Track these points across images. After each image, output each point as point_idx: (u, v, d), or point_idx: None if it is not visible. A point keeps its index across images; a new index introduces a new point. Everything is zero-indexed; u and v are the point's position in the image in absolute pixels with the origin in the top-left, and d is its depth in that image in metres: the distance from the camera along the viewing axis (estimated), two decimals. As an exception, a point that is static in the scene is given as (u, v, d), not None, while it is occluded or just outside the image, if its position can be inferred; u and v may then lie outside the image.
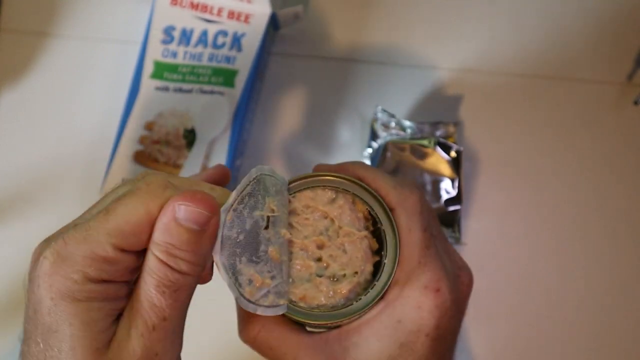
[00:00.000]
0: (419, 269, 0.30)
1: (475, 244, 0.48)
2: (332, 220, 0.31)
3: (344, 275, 0.31)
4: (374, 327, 0.30)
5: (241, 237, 0.28)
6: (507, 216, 0.49)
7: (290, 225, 0.31)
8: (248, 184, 0.29)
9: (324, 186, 0.31)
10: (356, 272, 0.31)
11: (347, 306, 0.30)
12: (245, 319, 0.31)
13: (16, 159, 0.51)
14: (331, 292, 0.30)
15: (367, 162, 0.49)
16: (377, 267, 0.31)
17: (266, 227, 0.29)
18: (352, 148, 0.50)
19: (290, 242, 0.30)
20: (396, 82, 0.51)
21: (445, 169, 0.46)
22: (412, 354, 0.29)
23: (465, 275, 0.32)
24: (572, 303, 0.48)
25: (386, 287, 0.30)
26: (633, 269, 0.48)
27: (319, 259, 0.31)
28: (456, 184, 0.45)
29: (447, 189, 0.45)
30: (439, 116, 0.50)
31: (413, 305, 0.29)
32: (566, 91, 0.51)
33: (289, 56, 0.52)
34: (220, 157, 0.47)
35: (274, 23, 0.50)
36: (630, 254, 0.48)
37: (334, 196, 0.31)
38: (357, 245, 0.31)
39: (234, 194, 0.28)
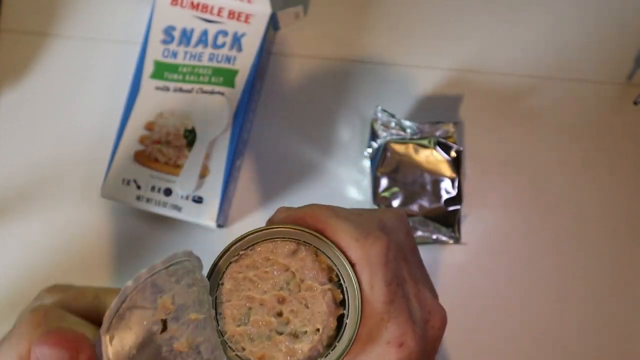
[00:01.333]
0: (381, 325, 0.29)
1: (475, 244, 0.48)
2: (293, 274, 0.30)
3: (305, 332, 0.29)
4: None
5: (133, 353, 0.26)
6: (507, 216, 0.49)
7: (249, 280, 0.30)
8: (123, 302, 0.26)
9: (283, 238, 0.30)
10: (317, 330, 0.29)
11: None
12: None
13: (16, 159, 0.51)
14: (291, 352, 0.29)
15: (367, 162, 0.49)
16: (341, 321, 0.29)
17: (163, 330, 0.27)
18: (352, 148, 0.50)
19: (249, 298, 0.30)
20: (396, 82, 0.51)
21: (445, 169, 0.46)
22: None
23: (436, 319, 0.31)
24: (573, 302, 0.48)
25: (348, 349, 0.29)
26: (633, 269, 0.48)
27: (280, 314, 0.30)
28: (456, 184, 0.45)
29: (447, 189, 0.46)
30: (439, 116, 0.50)
31: None
32: (566, 91, 0.51)
33: (289, 56, 0.52)
34: (220, 157, 0.47)
35: (274, 23, 0.50)
36: (631, 253, 0.48)
37: (294, 248, 0.30)
38: (319, 299, 0.29)
39: (105, 318, 0.26)
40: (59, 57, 0.53)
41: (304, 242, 0.30)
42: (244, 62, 0.48)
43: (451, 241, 0.46)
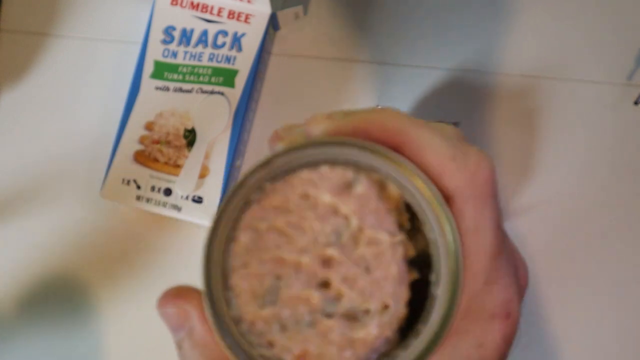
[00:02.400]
0: (485, 291, 0.20)
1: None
2: (347, 219, 0.20)
3: (368, 312, 0.19)
4: None
5: None
6: (507, 216, 0.49)
7: (277, 232, 0.20)
8: None
9: (333, 162, 0.19)
10: (386, 305, 0.19)
11: None
12: None
13: (16, 158, 0.51)
14: (349, 344, 0.19)
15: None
16: (418, 292, 0.20)
17: None
18: (352, 148, 0.50)
19: (278, 261, 0.19)
20: (396, 82, 0.51)
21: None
22: None
23: (523, 275, 0.23)
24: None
25: (442, 335, 0.18)
26: (633, 270, 0.48)
27: (326, 285, 0.19)
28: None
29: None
30: (439, 116, 0.50)
31: (472, 343, 0.20)
32: (566, 91, 0.51)
33: (289, 56, 0.52)
34: (220, 157, 0.47)
35: (274, 23, 0.50)
36: (629, 257, 0.48)
37: (350, 178, 0.20)
38: (387, 257, 0.19)
39: None
40: (59, 57, 0.53)
41: (367, 167, 0.19)
42: (244, 62, 0.48)
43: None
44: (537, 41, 0.52)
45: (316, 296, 0.19)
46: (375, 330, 0.19)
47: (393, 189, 0.20)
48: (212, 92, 0.48)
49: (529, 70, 0.51)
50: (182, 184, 0.46)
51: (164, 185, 0.47)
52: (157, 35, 0.49)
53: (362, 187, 0.20)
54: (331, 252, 0.19)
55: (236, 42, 0.48)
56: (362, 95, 0.51)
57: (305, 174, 0.19)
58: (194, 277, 0.49)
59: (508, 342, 0.20)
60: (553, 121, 0.50)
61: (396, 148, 0.19)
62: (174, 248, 0.49)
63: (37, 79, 0.52)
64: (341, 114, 0.20)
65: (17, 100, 0.52)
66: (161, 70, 0.48)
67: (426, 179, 0.19)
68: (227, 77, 0.48)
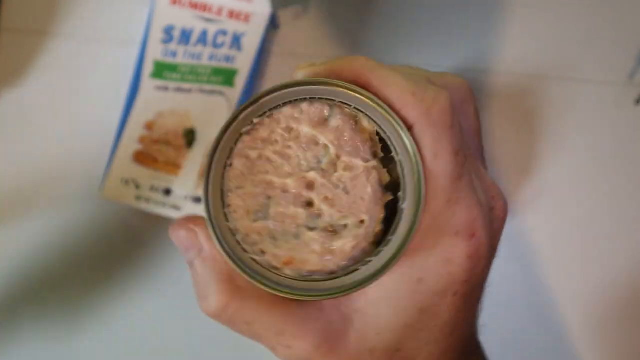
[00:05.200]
0: (447, 210, 0.22)
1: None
2: (326, 147, 0.23)
3: (345, 226, 0.23)
4: (386, 289, 0.23)
5: None
6: (507, 215, 0.49)
7: (266, 159, 0.23)
8: None
9: (311, 98, 0.23)
10: (362, 221, 0.22)
11: (352, 271, 0.22)
12: (209, 283, 0.24)
13: (16, 158, 0.51)
14: (329, 252, 0.22)
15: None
16: (391, 211, 0.23)
17: None
18: (352, 148, 0.50)
19: (268, 183, 0.23)
20: (396, 82, 0.51)
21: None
22: (435, 319, 0.23)
23: (500, 206, 0.25)
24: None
25: (407, 243, 0.22)
26: (633, 270, 0.48)
27: (309, 204, 0.23)
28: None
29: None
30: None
31: (440, 258, 0.23)
32: (566, 91, 0.51)
33: (289, 56, 0.52)
34: (220, 157, 0.47)
35: (274, 22, 0.50)
36: (627, 254, 0.48)
37: (327, 113, 0.23)
38: (362, 180, 0.22)
39: None
40: (58, 57, 0.52)
41: (340, 102, 0.23)
42: (243, 62, 0.48)
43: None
44: (537, 41, 0.52)
45: (301, 212, 0.23)
46: (351, 241, 0.22)
47: (365, 122, 0.23)
48: (211, 92, 0.48)
49: (529, 70, 0.51)
50: (182, 184, 0.46)
51: (163, 185, 0.46)
52: (156, 34, 0.49)
53: (337, 120, 0.23)
54: (313, 175, 0.23)
55: (236, 41, 0.48)
56: (362, 95, 0.51)
57: (288, 110, 0.23)
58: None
59: (475, 261, 0.23)
60: (553, 121, 0.50)
61: (365, 87, 0.22)
62: (174, 248, 0.49)
63: (37, 79, 0.52)
64: (319, 62, 0.24)
65: (17, 99, 0.52)
66: (161, 70, 0.48)
67: (389, 109, 0.22)
68: (227, 76, 0.48)
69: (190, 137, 0.47)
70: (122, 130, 0.47)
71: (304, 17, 0.50)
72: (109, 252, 0.49)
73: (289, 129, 0.23)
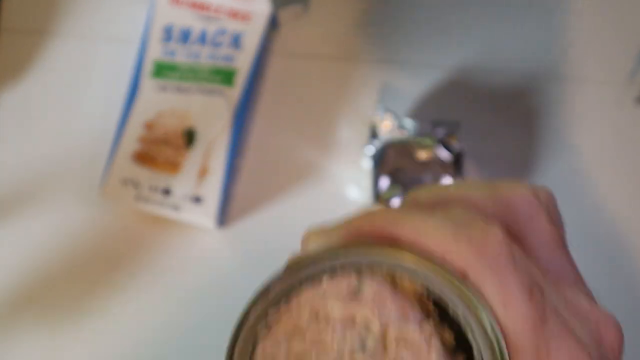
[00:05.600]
0: None
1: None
2: (367, 325, 0.18)
3: None
4: None
5: None
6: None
7: (296, 357, 0.18)
8: None
9: (331, 272, 0.19)
10: None
11: None
12: None
13: (15, 157, 0.51)
14: None
15: (367, 162, 0.49)
16: None
17: None
18: (352, 148, 0.50)
19: None
20: (397, 82, 0.51)
21: (447, 169, 0.46)
22: None
23: (610, 334, 0.21)
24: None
25: None
26: (633, 269, 0.48)
27: None
28: (456, 183, 0.45)
29: (448, 188, 0.45)
30: (440, 116, 0.50)
31: None
32: (566, 91, 0.51)
33: (289, 56, 0.52)
34: (219, 157, 0.46)
35: (273, 22, 0.50)
36: (627, 254, 0.48)
37: (356, 282, 0.19)
38: (423, 351, 0.18)
39: None
40: (58, 56, 0.52)
41: (367, 265, 0.19)
42: (243, 61, 0.48)
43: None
44: (537, 41, 0.51)
45: None
46: None
47: (406, 281, 0.19)
48: (211, 91, 0.48)
49: (529, 70, 0.51)
50: (181, 184, 0.46)
51: (163, 185, 0.46)
52: (156, 34, 0.49)
53: (372, 286, 0.18)
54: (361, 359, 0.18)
55: (235, 40, 0.48)
56: (362, 94, 0.51)
57: (309, 292, 0.19)
58: (193, 277, 0.49)
59: None
60: (553, 121, 0.50)
61: (392, 240, 0.19)
62: (173, 248, 0.49)
63: (36, 78, 0.52)
64: (331, 227, 0.20)
65: (17, 99, 0.52)
66: (160, 70, 0.48)
67: (432, 259, 0.18)
68: (227, 76, 0.48)
69: (189, 136, 0.47)
70: (121, 129, 0.47)
71: (304, 17, 0.50)
72: (109, 252, 0.49)
73: (316, 314, 0.18)
